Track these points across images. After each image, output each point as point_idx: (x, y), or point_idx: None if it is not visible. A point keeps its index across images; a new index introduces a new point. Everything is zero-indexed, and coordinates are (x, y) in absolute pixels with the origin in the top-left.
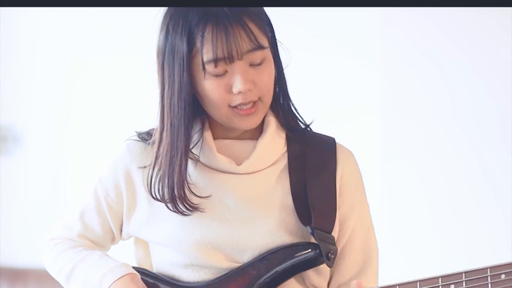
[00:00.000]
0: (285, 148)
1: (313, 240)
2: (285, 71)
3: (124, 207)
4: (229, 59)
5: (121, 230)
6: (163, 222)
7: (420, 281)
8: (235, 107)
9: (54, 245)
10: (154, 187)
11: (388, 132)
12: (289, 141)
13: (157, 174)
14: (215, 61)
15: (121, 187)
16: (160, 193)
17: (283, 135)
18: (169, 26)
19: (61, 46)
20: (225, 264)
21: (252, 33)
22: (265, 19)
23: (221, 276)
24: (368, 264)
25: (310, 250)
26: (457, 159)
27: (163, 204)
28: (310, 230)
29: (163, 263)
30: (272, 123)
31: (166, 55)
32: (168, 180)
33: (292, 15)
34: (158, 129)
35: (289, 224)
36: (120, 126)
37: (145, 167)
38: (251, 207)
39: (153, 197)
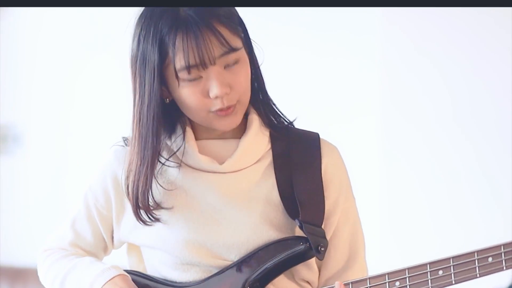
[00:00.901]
0: (269, 146)
1: (301, 234)
2: (281, 70)
3: (113, 212)
4: (202, 65)
5: (112, 237)
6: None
7: (408, 268)
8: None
9: (47, 256)
10: (127, 192)
11: (388, 132)
12: (273, 138)
13: (127, 180)
14: (188, 68)
15: (109, 193)
16: (129, 197)
17: (266, 133)
18: (140, 36)
19: (61, 46)
20: (213, 261)
21: (223, 36)
22: (237, 20)
23: (213, 275)
24: (354, 259)
25: (300, 243)
26: (457, 159)
27: None
28: (298, 224)
29: (154, 265)
30: (255, 121)
31: (138, 64)
32: (134, 188)
33: (292, 15)
34: (130, 138)
35: (274, 219)
36: (120, 126)
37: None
38: (236, 204)
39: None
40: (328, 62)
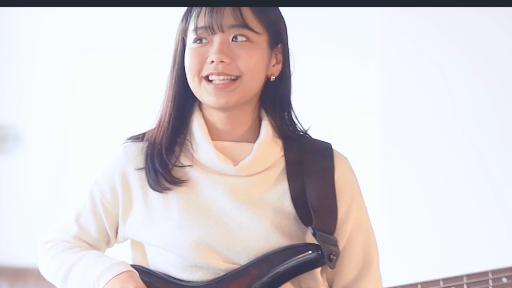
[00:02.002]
0: (282, 153)
1: (313, 241)
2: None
3: (120, 209)
4: (210, 29)
5: (116, 233)
6: (159, 224)
7: (421, 283)
8: (208, 78)
9: (50, 247)
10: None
11: (388, 132)
12: (286, 145)
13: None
14: (196, 29)
15: (117, 189)
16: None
17: (279, 139)
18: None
19: (61, 46)
20: (222, 265)
21: (240, 12)
22: (272, 16)
23: (221, 276)
24: (368, 268)
25: (311, 251)
26: (457, 159)
27: (159, 206)
28: (312, 231)
29: (161, 265)
30: (268, 126)
31: (171, 53)
32: (156, 150)
33: (292, 15)
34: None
35: (285, 227)
36: (120, 126)
37: (142, 168)
38: (247, 209)
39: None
40: (328, 63)
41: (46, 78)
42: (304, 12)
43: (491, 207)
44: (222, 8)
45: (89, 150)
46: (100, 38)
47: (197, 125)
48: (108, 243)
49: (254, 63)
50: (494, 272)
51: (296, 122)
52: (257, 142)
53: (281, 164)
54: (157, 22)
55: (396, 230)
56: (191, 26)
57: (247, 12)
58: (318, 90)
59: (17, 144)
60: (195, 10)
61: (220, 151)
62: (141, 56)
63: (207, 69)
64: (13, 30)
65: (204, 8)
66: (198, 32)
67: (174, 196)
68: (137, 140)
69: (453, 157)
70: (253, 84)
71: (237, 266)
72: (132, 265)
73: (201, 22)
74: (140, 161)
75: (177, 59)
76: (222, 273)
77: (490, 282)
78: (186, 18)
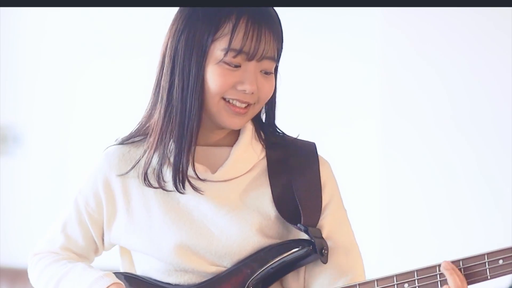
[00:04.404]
0: (263, 154)
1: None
2: (280, 71)
3: (104, 216)
4: (251, 56)
5: (103, 240)
6: (142, 230)
7: (417, 270)
8: (228, 101)
9: (38, 260)
10: (155, 172)
11: (388, 134)
12: (268, 146)
13: (158, 156)
14: (239, 52)
15: (100, 196)
16: (162, 176)
17: (260, 142)
18: (194, 14)
19: (62, 47)
20: (207, 268)
21: (277, 43)
22: (282, 40)
23: (213, 277)
24: (354, 267)
25: (302, 246)
26: (456, 161)
27: (141, 212)
28: (303, 228)
29: (147, 271)
30: (248, 131)
31: (181, 47)
32: (175, 160)
33: (291, 15)
34: (161, 111)
35: (265, 229)
36: (121, 127)
37: (126, 173)
38: (227, 213)
39: (147, 183)
40: (327, 64)
41: (47, 79)
42: (304, 13)
43: (490, 208)
44: (266, 35)
45: (90, 151)
46: (101, 39)
47: None
48: (96, 251)
49: (271, 93)
50: (490, 254)
51: (277, 129)
52: (234, 146)
53: (263, 165)
54: (161, 23)
55: (396, 230)
56: (234, 45)
57: (278, 41)
58: (318, 91)
59: (17, 145)
60: (231, 22)
61: (200, 156)
62: (143, 58)
63: (233, 94)
64: (14, 31)
65: (251, 30)
66: (239, 56)
67: (155, 201)
68: (121, 144)
69: (453, 159)
70: (262, 106)
71: (223, 269)
72: (119, 272)
73: (247, 47)
74: (122, 167)
75: (200, 72)
76: (208, 277)
77: (487, 264)
78: (216, 26)
